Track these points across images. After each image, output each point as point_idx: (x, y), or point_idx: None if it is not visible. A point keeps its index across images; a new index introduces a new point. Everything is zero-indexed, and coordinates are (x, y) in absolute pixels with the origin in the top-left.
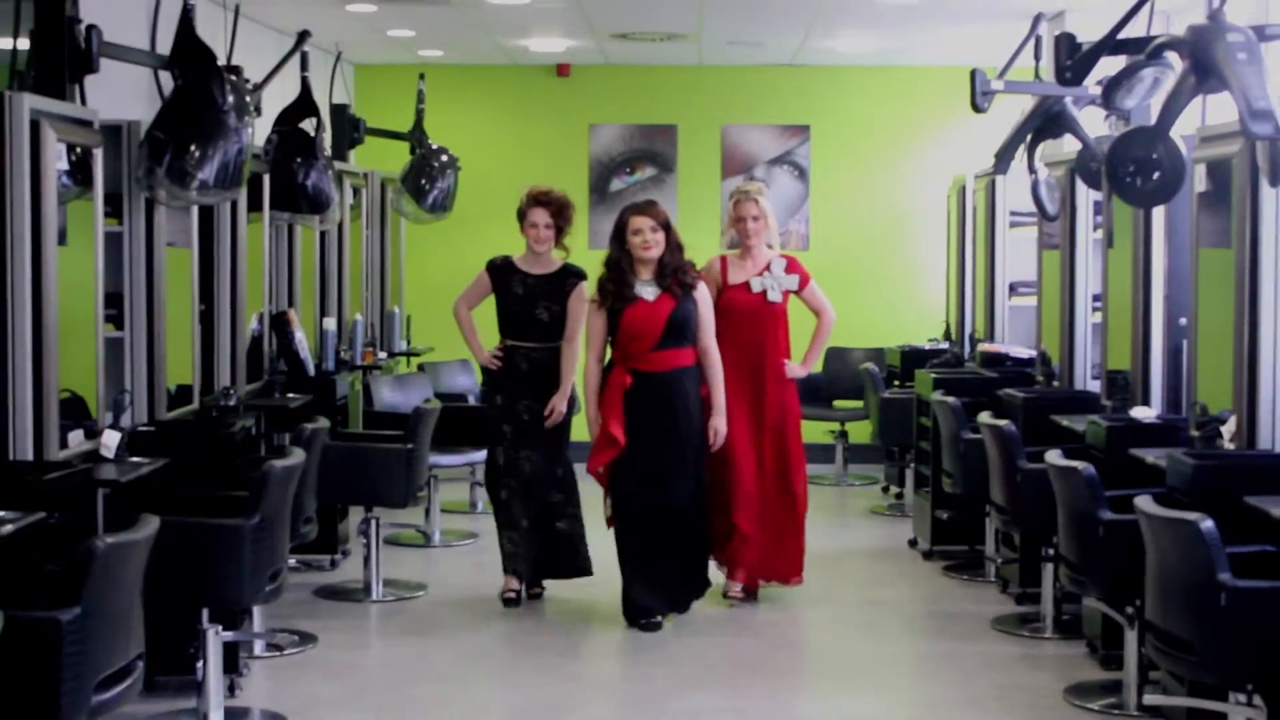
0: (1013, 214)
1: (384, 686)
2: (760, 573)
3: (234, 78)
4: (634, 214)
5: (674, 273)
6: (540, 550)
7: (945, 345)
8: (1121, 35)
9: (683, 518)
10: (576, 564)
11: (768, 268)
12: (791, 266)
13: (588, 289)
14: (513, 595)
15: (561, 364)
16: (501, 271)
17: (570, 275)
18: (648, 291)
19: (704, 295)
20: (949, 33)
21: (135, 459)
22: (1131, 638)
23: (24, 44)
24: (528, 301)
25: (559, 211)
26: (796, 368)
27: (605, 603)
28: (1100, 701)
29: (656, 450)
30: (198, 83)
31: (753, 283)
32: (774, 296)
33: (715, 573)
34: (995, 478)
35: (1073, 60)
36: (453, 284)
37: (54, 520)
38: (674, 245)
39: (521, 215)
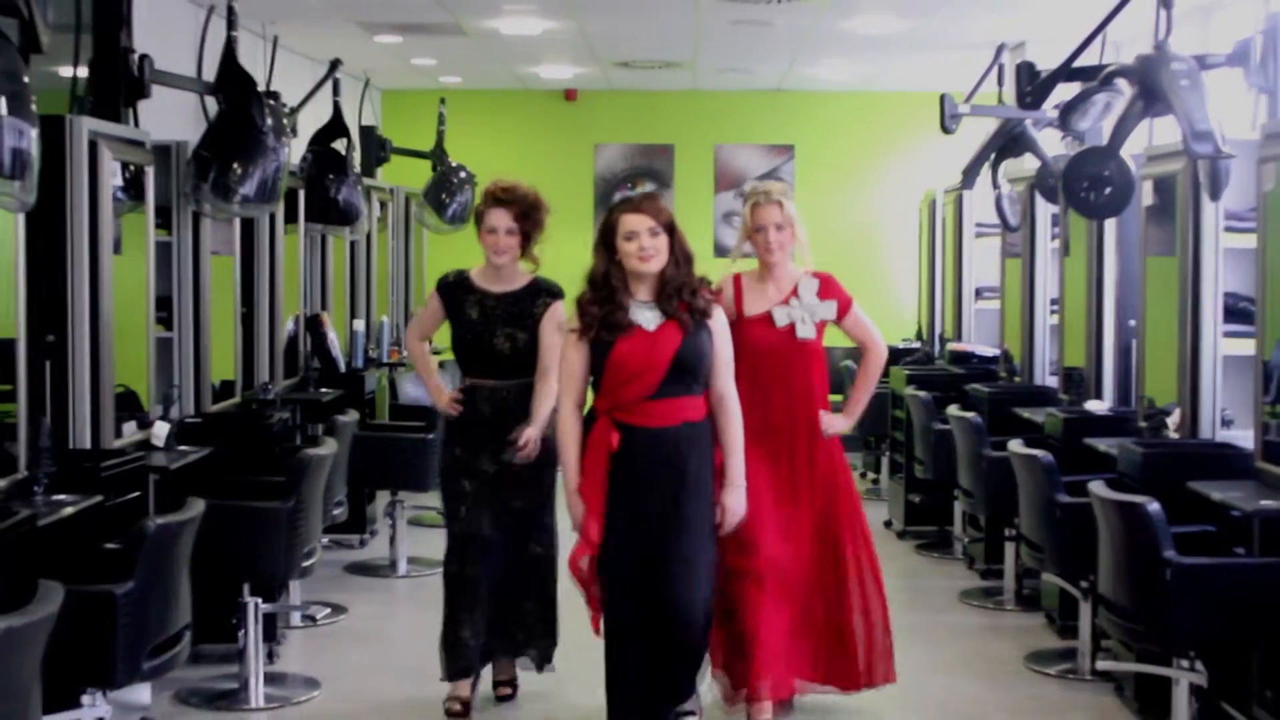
0: (978, 225)
1: (409, 653)
2: (801, 675)
3: (272, 102)
4: (626, 211)
5: (679, 292)
6: (500, 627)
7: (917, 344)
8: (1076, 64)
9: (683, 622)
10: (542, 648)
11: (795, 292)
12: (827, 288)
13: (565, 310)
14: (459, 709)
15: (533, 401)
16: (454, 290)
17: (541, 293)
18: (646, 317)
19: (721, 325)
20: (920, 61)
21: (183, 448)
22: (1086, 609)
23: (83, 72)
24: (483, 327)
25: (525, 213)
26: (837, 420)
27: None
28: (1057, 667)
29: (653, 533)
30: (240, 106)
31: (776, 313)
32: (805, 331)
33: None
34: (962, 465)
35: (1032, 86)
36: None
37: (110, 503)
38: (681, 255)
39: (479, 218)
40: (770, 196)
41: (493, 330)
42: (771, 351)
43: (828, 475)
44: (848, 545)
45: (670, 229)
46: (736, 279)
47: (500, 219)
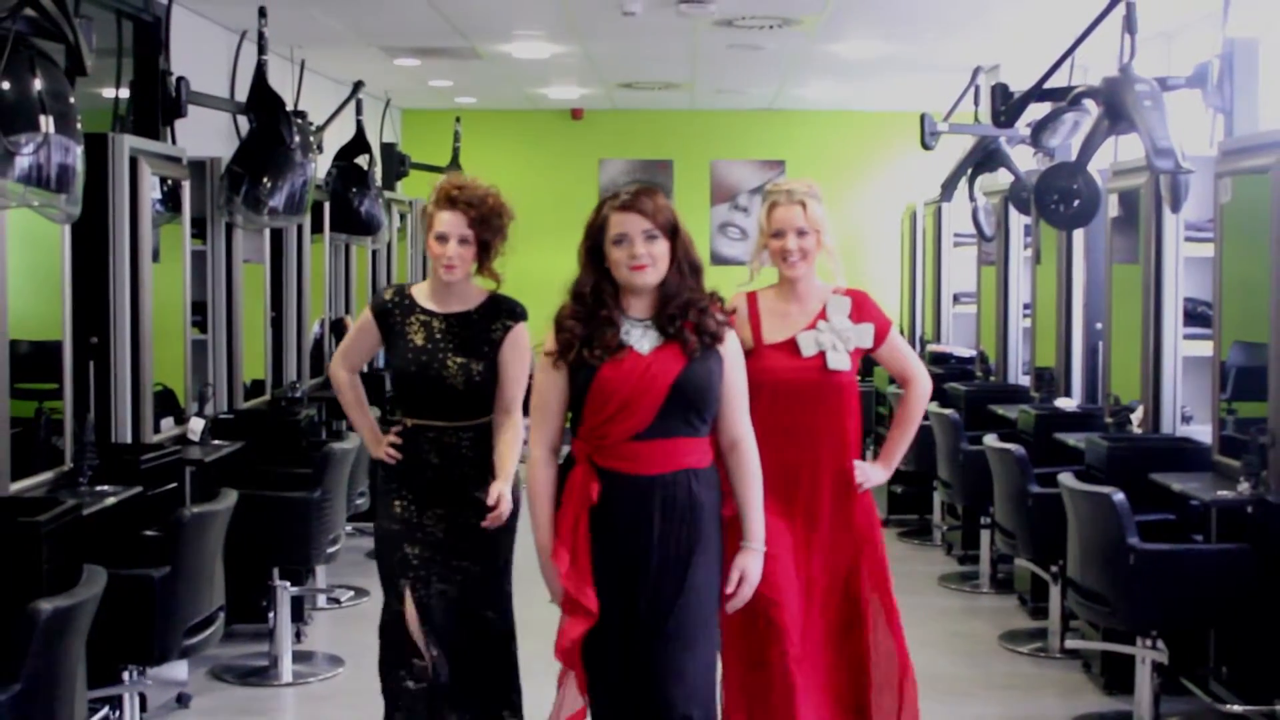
0: (956, 235)
1: None
2: None
3: (300, 121)
4: (616, 209)
5: (684, 309)
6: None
7: None
8: (1047, 85)
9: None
10: None
11: (824, 313)
12: (861, 307)
13: (533, 334)
14: None
15: (497, 448)
16: (392, 311)
17: (501, 313)
18: (640, 338)
19: (735, 352)
20: (902, 82)
21: (217, 442)
22: (1055, 592)
23: (125, 93)
24: (430, 355)
25: (482, 218)
26: (874, 470)
27: None
28: (1029, 646)
29: (643, 609)
30: (269, 125)
31: (802, 340)
32: (838, 361)
33: None
34: (942, 458)
35: (1006, 106)
36: None
37: (149, 494)
38: (686, 265)
39: (425, 223)
40: (792, 195)
41: (442, 359)
42: (797, 386)
43: (862, 539)
44: (869, 628)
45: (672, 232)
46: (752, 298)
47: (452, 223)
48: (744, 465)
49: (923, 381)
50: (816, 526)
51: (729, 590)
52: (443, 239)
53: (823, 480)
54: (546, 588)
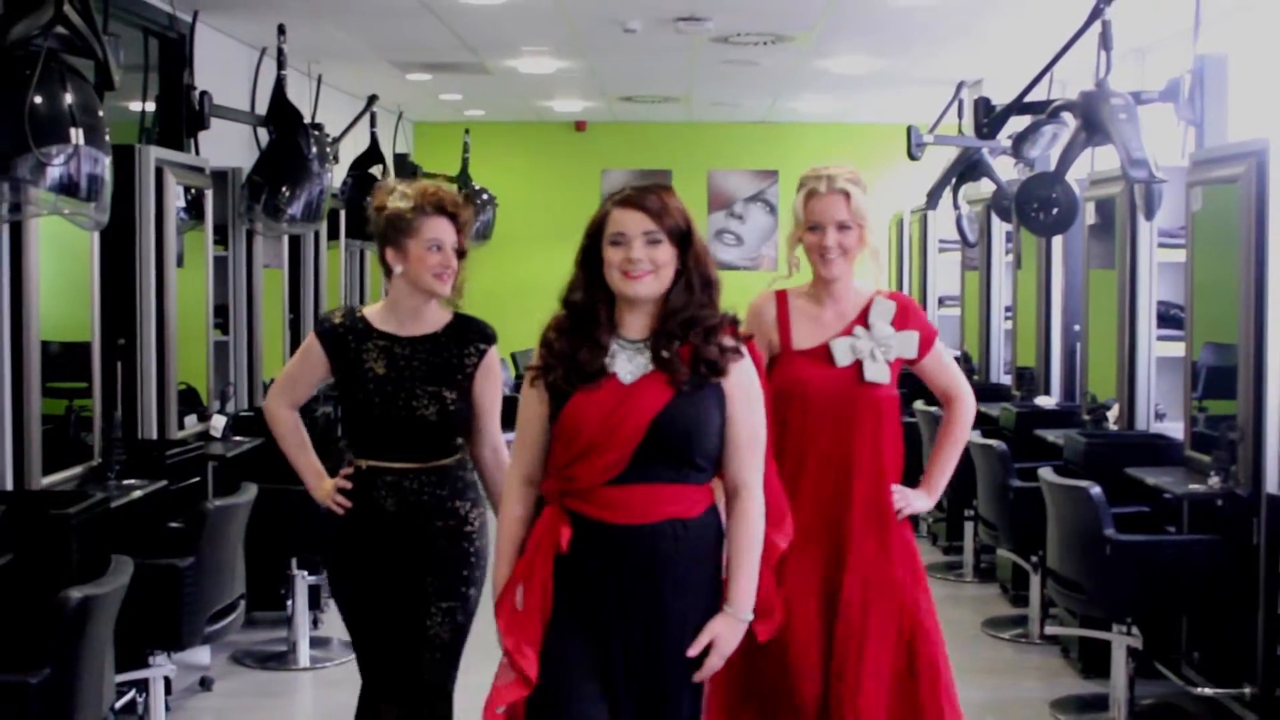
0: (941, 242)
1: None
2: None
3: (317, 133)
4: (618, 205)
5: (686, 330)
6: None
7: None
8: (1027, 99)
9: None
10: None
11: (863, 317)
12: (905, 314)
13: (511, 358)
14: None
15: (488, 487)
16: (344, 337)
17: (472, 336)
18: (626, 364)
19: (743, 387)
20: (890, 96)
21: (238, 438)
22: (1035, 581)
23: (151, 107)
24: (397, 386)
25: (467, 225)
26: (917, 496)
27: None
28: (1010, 632)
29: (613, 677)
30: (288, 137)
31: (836, 347)
32: (875, 373)
33: None
34: (926, 453)
35: (988, 119)
36: (488, 300)
37: (174, 487)
38: (697, 278)
39: (403, 228)
40: (834, 184)
41: (410, 389)
42: (829, 400)
43: (905, 580)
44: (924, 683)
45: (681, 239)
46: (781, 298)
47: (447, 230)
48: (743, 519)
49: (968, 399)
50: (849, 564)
51: (692, 653)
52: (436, 247)
53: (856, 508)
54: (497, 628)
